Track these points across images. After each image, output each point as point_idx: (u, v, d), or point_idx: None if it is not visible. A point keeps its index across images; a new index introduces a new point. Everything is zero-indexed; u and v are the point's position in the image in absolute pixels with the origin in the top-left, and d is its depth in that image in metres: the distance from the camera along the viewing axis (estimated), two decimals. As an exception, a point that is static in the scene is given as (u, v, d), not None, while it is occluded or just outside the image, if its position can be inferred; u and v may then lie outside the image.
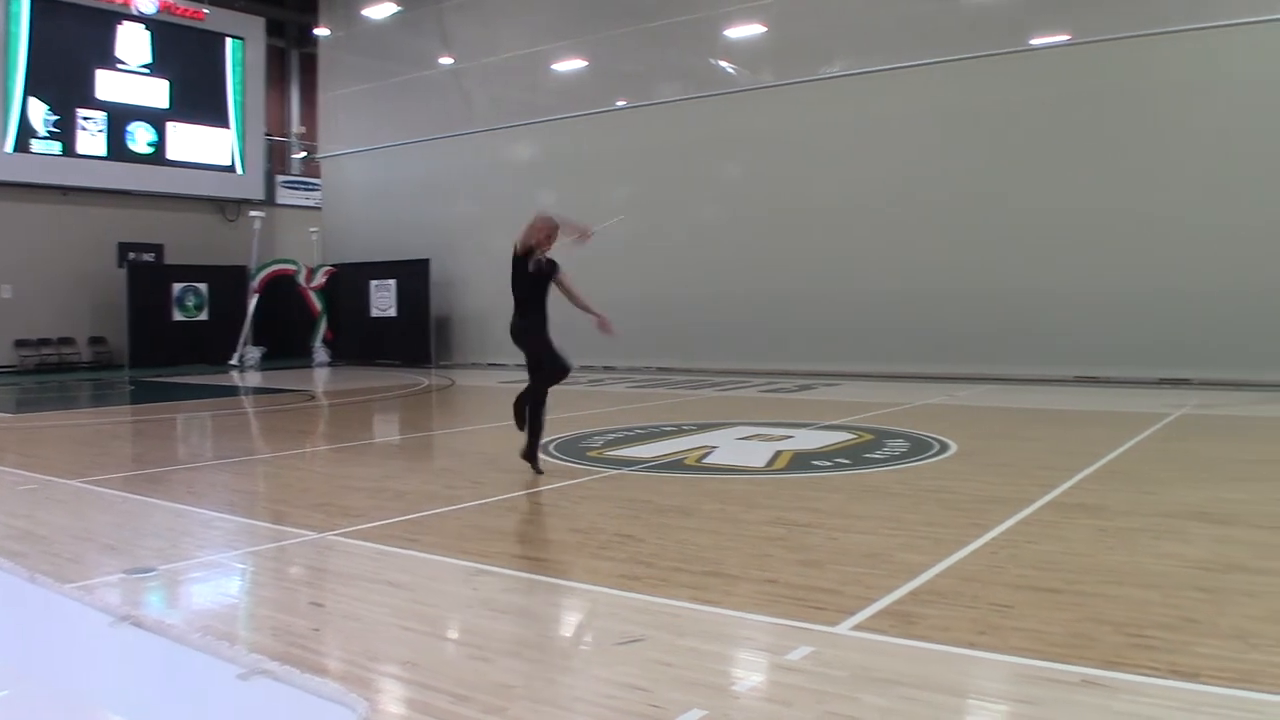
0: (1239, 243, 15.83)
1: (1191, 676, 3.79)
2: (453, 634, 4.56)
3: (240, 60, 27.96)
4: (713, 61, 21.61)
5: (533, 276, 8.23)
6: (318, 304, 26.11)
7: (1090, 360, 17.11)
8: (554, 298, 8.42)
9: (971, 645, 4.18)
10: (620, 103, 23.02)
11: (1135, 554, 5.65)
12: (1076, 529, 6.27)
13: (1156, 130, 16.64)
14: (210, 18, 27.18)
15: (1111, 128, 17.00)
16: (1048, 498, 7.26)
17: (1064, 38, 17.76)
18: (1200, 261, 16.14)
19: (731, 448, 10.16)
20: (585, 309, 8.34)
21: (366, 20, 26.86)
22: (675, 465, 9.08)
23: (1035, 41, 17.99)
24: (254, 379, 21.83)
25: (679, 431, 11.40)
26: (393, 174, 26.81)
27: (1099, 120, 17.12)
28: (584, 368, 22.19)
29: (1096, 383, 16.85)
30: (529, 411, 8.39)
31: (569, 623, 4.91)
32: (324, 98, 28.77)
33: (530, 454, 8.44)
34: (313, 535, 6.34)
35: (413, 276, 25.30)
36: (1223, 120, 16.07)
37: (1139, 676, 3.80)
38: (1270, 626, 4.35)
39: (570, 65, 23.72)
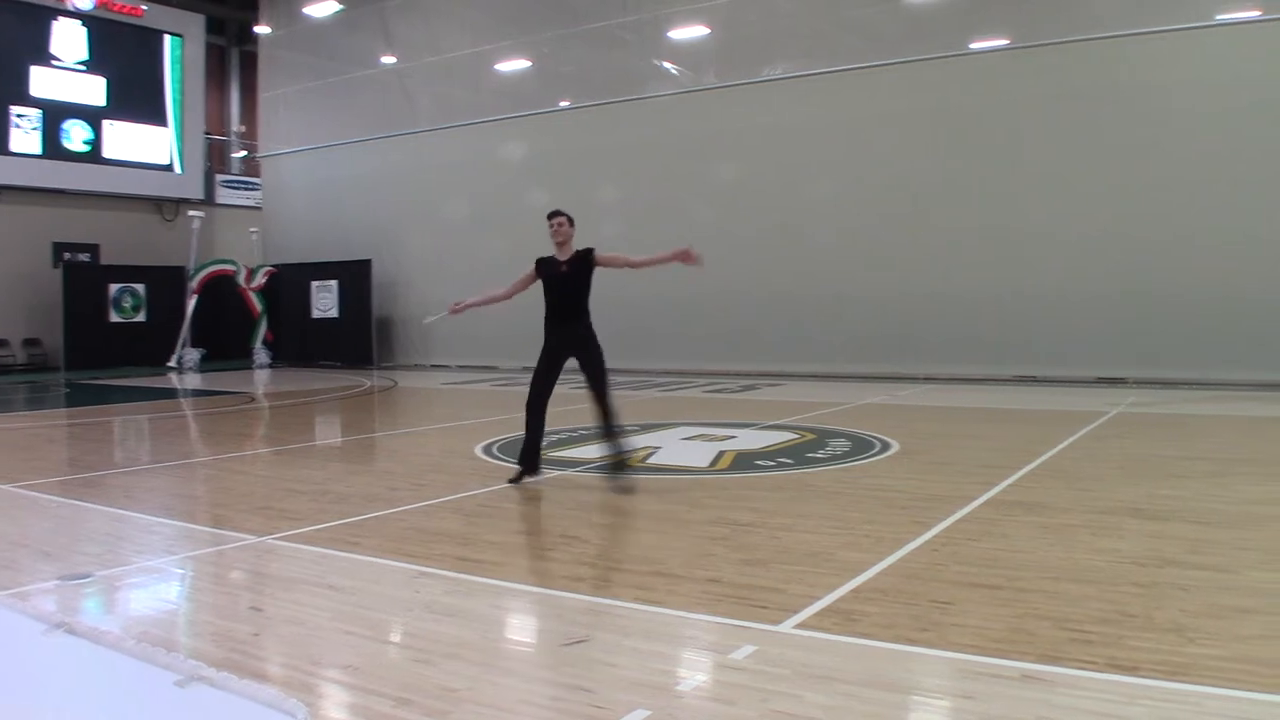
0: (1174, 246, 16.11)
1: (1129, 670, 3.86)
2: (395, 637, 4.52)
3: (179, 57, 27.55)
4: (656, 63, 21.63)
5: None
6: (258, 305, 25.80)
7: (1029, 360, 17.34)
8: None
9: (913, 642, 4.22)
10: (564, 103, 22.97)
11: (1073, 550, 5.73)
12: (1016, 526, 6.35)
13: (1096, 134, 16.86)
14: (148, 14, 26.74)
15: (1055, 131, 17.23)
16: (987, 495, 7.35)
17: (1003, 42, 17.98)
18: (1136, 264, 16.41)
19: (675, 448, 10.18)
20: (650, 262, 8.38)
21: (307, 18, 26.59)
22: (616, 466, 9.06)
23: (975, 45, 18.20)
24: (193, 381, 21.55)
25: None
26: (334, 173, 26.56)
27: (1044, 123, 17.35)
28: (526, 369, 22.13)
29: (1035, 382, 17.07)
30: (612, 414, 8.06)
31: (513, 624, 4.89)
32: (264, 96, 28.44)
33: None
34: (253, 539, 6.26)
35: (355, 277, 25.08)
36: (1164, 124, 16.32)
37: (1078, 671, 3.86)
38: (1205, 620, 4.43)
39: (513, 65, 23.64)
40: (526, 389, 8.28)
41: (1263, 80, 15.64)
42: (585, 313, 8.18)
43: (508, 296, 8.41)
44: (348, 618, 4.66)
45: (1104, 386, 16.20)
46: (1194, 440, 10.71)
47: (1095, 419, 12.02)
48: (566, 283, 8.00)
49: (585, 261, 8.02)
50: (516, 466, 8.24)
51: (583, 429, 11.65)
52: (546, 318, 8.14)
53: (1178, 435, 11.11)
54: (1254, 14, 15.94)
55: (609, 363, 8.09)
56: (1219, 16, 16.15)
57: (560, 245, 8.03)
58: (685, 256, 7.95)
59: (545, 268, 8.10)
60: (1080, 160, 16.98)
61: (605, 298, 21.08)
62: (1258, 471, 8.57)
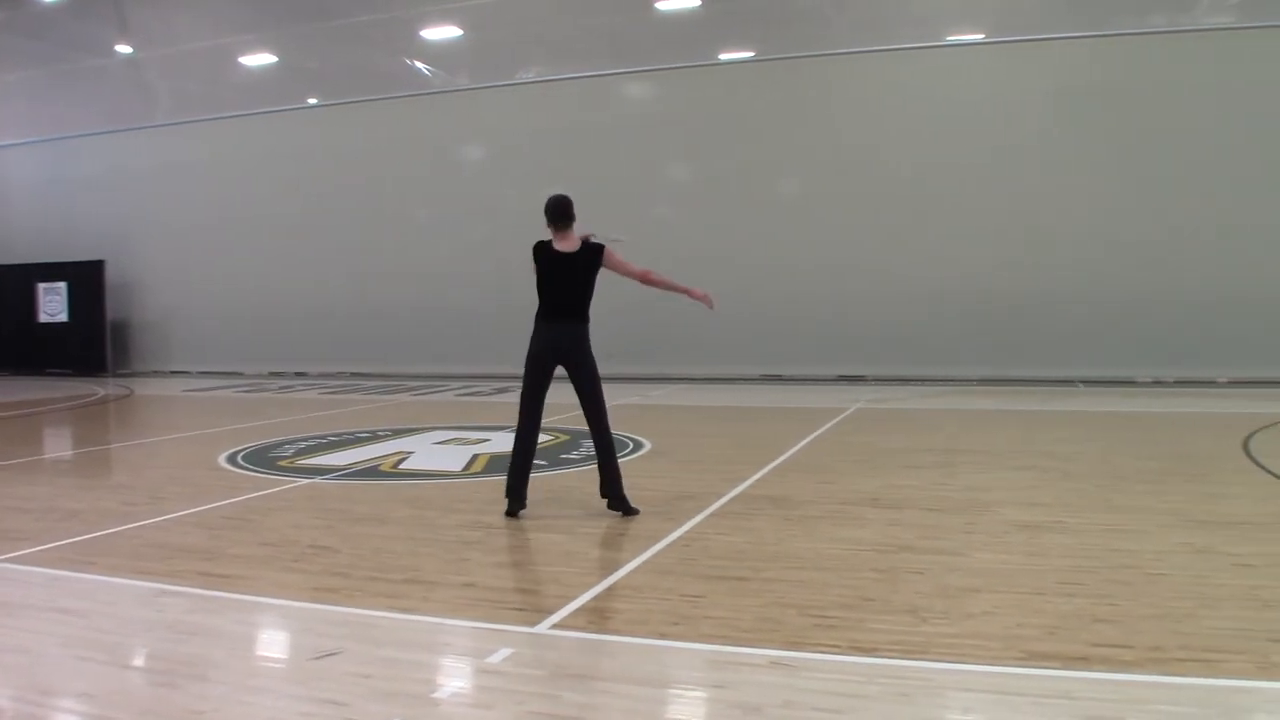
0: (906, 248, 17.13)
1: (869, 651, 4.07)
2: (135, 661, 4.30)
3: (-121, 38, 25.31)
4: (407, 62, 21.33)
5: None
6: (-25, 309, 24.10)
7: (774, 359, 18.02)
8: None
9: (665, 636, 4.32)
10: (311, 100, 22.37)
11: (816, 540, 5.99)
12: (762, 519, 6.59)
13: (828, 141, 17.77)
14: None
15: (789, 138, 18.02)
16: (736, 491, 7.59)
17: (749, 54, 18.66)
18: (870, 265, 17.35)
19: (428, 453, 10.08)
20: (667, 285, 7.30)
21: (34, 1, 24.81)
22: (370, 472, 8.91)
23: (723, 56, 18.82)
24: (-99, 393, 19.89)
25: (374, 437, 11.20)
26: (63, 169, 24.99)
27: (779, 131, 18.10)
28: (273, 374, 21.49)
29: (781, 380, 17.73)
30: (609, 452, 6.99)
31: (261, 640, 4.72)
32: (-17, 84, 26.49)
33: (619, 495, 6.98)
34: (-28, 562, 5.84)
35: (86, 279, 23.70)
36: (887, 133, 17.32)
37: (821, 655, 4.05)
38: (938, 601, 4.72)
39: (258, 60, 22.79)
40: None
41: (987, 93, 16.84)
42: (586, 314, 7.10)
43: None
44: (82, 643, 4.40)
45: (844, 384, 17.00)
46: (925, 433, 11.35)
47: (836, 415, 12.58)
48: (569, 272, 6.98)
49: (592, 254, 7.06)
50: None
51: (332, 435, 11.39)
52: (540, 312, 7.04)
53: (910, 429, 11.75)
54: (978, 36, 17.23)
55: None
56: (949, 38, 17.34)
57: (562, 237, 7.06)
58: (705, 299, 7.36)
59: (544, 255, 7.06)
60: (815, 163, 17.86)
61: (351, 303, 20.66)
62: (981, 461, 9.18)
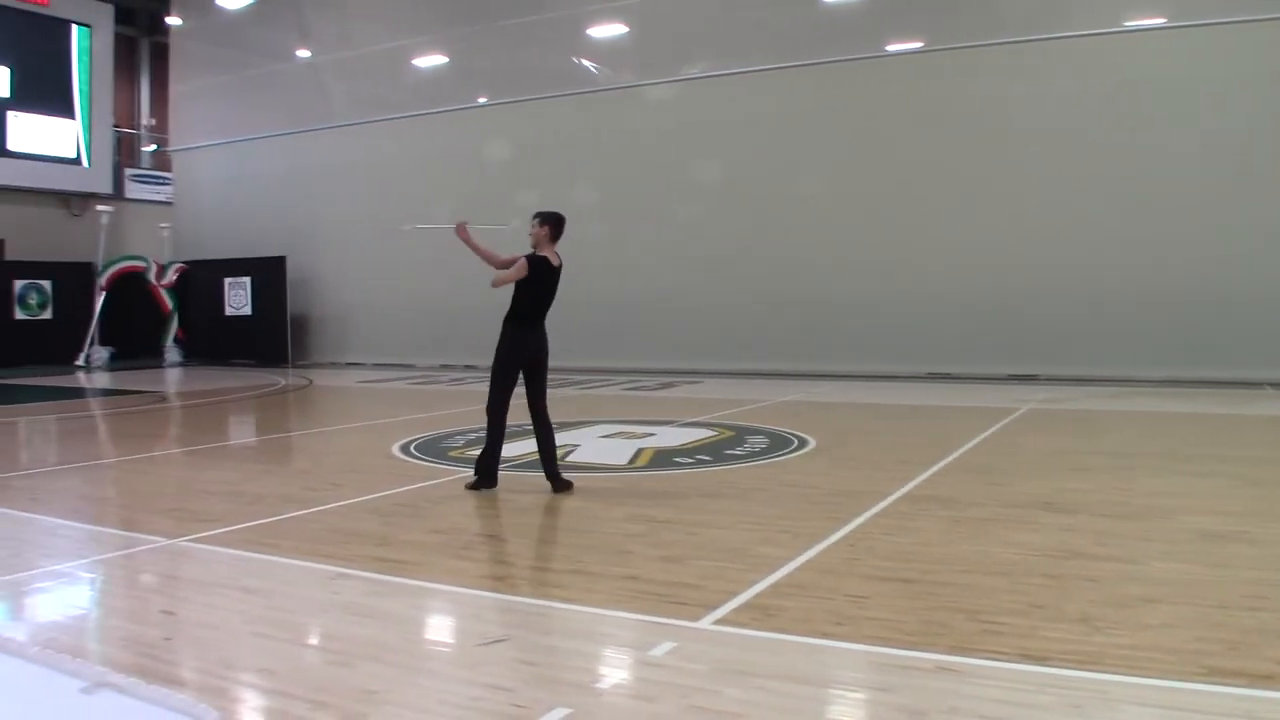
0: (1078, 246, 16.53)
1: (1039, 660, 3.94)
2: (312, 639, 4.47)
3: (87, 48, 26.80)
4: (574, 60, 21.60)
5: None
6: (169, 302, 25.28)
7: (943, 357, 17.63)
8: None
9: (829, 636, 4.28)
10: (481, 100, 22.85)
11: (985, 543, 5.84)
12: (929, 520, 6.46)
13: (1001, 134, 17.23)
14: (55, 3, 25.88)
15: (960, 131, 17.55)
16: (902, 490, 7.45)
17: (917, 45, 18.28)
18: (1043, 263, 16.79)
19: (594, 446, 10.18)
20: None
21: (220, 10, 25.95)
22: (537, 464, 9.04)
23: (890, 48, 18.49)
24: (102, 380, 21.03)
25: (542, 430, 11.35)
26: (248, 169, 26.09)
27: (949, 124, 17.65)
28: (444, 367, 22.02)
29: (949, 379, 17.35)
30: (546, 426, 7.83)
31: (431, 625, 4.86)
32: (176, 89, 27.83)
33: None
34: (164, 541, 6.14)
35: (268, 274, 24.66)
36: (1064, 126, 16.72)
37: (989, 661, 3.94)
38: (1111, 610, 4.55)
39: (430, 61, 23.41)
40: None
41: (1163, 83, 16.12)
42: None
43: (495, 265, 7.72)
44: (263, 620, 4.59)
45: (1016, 383, 16.52)
46: (1099, 435, 10.96)
47: (1007, 415, 12.25)
48: (555, 283, 7.70)
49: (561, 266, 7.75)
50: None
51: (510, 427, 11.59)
52: (527, 320, 7.65)
53: (1084, 431, 11.35)
54: (1159, 21, 16.48)
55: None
56: (1126, 23, 16.63)
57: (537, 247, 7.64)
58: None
59: (542, 268, 7.55)
60: (987, 158, 17.36)
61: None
62: (1160, 465, 8.81)
